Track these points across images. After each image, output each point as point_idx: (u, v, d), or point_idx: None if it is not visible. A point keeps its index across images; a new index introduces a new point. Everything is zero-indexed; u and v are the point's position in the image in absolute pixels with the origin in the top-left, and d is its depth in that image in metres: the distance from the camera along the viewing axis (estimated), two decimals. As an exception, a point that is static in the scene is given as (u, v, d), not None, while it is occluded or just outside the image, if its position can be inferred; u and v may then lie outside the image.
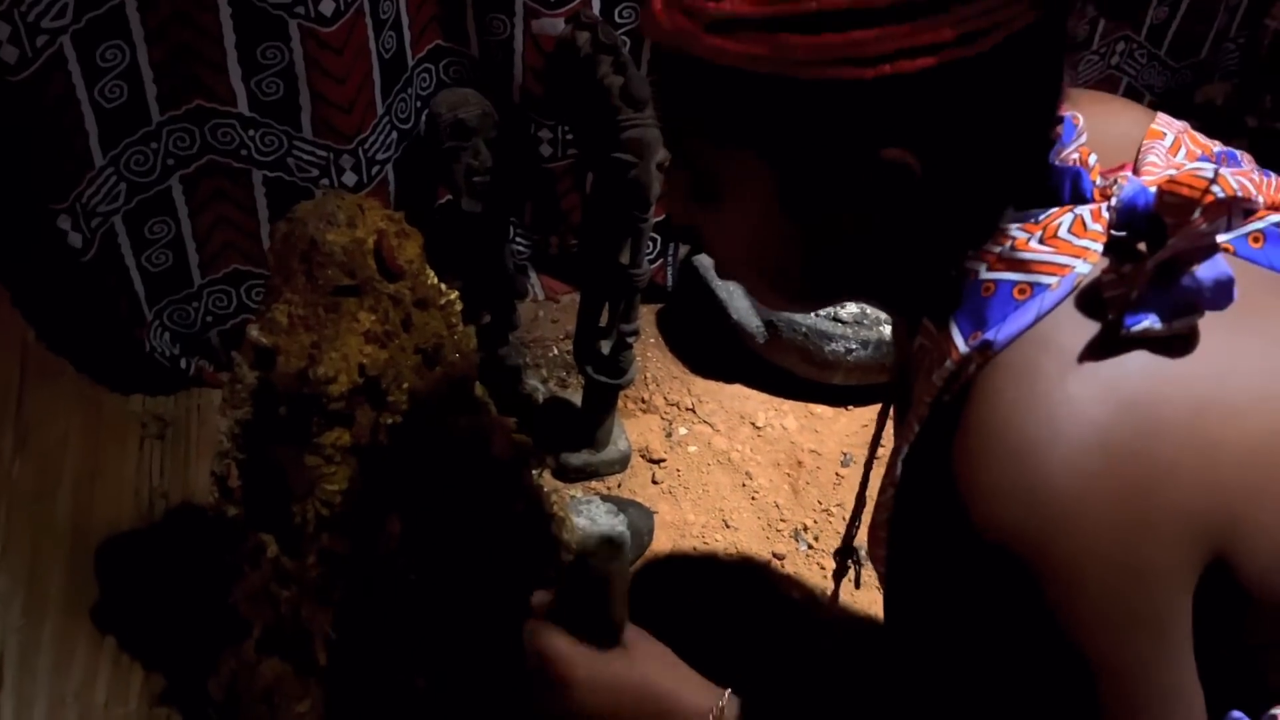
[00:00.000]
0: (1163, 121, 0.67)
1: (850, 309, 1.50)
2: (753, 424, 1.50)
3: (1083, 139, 0.63)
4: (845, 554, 0.92)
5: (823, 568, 1.33)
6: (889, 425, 0.79)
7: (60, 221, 1.19)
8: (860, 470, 1.37)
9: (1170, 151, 0.64)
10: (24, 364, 1.34)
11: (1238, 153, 0.64)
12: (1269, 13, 1.80)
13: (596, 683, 0.74)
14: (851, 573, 0.95)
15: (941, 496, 0.56)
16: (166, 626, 1.13)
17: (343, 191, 1.09)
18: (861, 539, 1.33)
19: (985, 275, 0.59)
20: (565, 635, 0.75)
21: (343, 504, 0.94)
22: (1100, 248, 0.58)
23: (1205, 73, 1.84)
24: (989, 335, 0.57)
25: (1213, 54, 1.81)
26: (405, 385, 0.94)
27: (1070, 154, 0.62)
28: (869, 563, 1.29)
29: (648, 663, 0.75)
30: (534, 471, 1.12)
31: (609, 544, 0.75)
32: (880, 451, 0.83)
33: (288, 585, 0.97)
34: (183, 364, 1.38)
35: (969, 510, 0.54)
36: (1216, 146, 0.65)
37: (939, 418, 0.59)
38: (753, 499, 1.40)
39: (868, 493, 0.85)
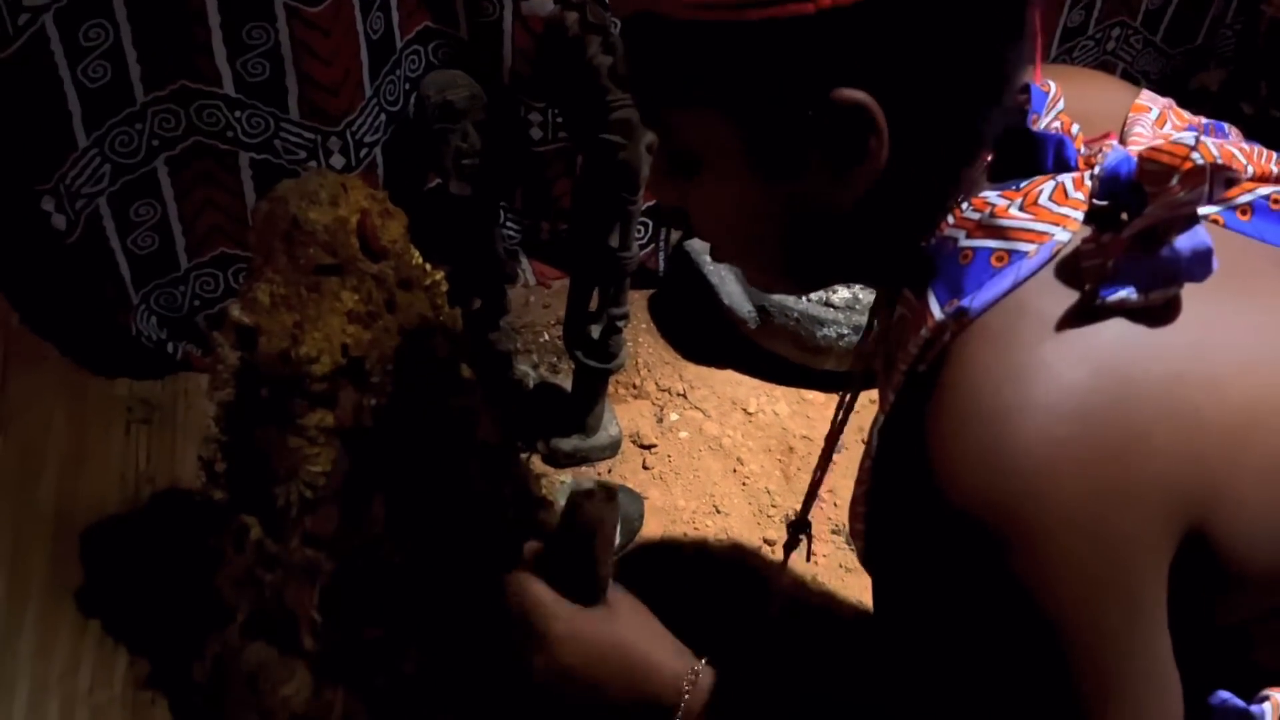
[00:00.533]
0: (1147, 97, 0.66)
1: (843, 294, 1.49)
2: (744, 410, 1.49)
3: (1059, 106, 0.62)
4: (798, 527, 0.92)
5: (812, 553, 1.32)
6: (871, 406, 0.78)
7: (44, 203, 1.18)
8: (846, 452, 1.37)
9: (1156, 124, 0.63)
10: (7, 348, 1.33)
11: (1225, 125, 0.64)
12: (1265, -1, 1.80)
13: (575, 637, 0.74)
14: (803, 546, 0.95)
15: (915, 465, 0.55)
16: (151, 611, 1.12)
17: (326, 170, 1.08)
18: (840, 518, 1.33)
19: (964, 243, 0.58)
20: (548, 588, 0.75)
21: (326, 486, 0.93)
22: (1080, 216, 0.57)
23: (1201, 59, 1.83)
24: (964, 302, 0.56)
25: (1208, 40, 1.81)
26: (389, 366, 0.93)
27: (1050, 122, 0.61)
28: (821, 538, 1.29)
29: (627, 623, 0.75)
30: (523, 456, 1.12)
31: (604, 490, 0.75)
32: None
33: (272, 568, 0.96)
34: (169, 348, 1.37)
35: (940, 478, 0.54)
36: (1204, 120, 0.64)
37: (914, 387, 0.58)
38: (744, 485, 1.40)
39: (829, 471, 0.85)
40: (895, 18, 0.52)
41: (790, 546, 0.93)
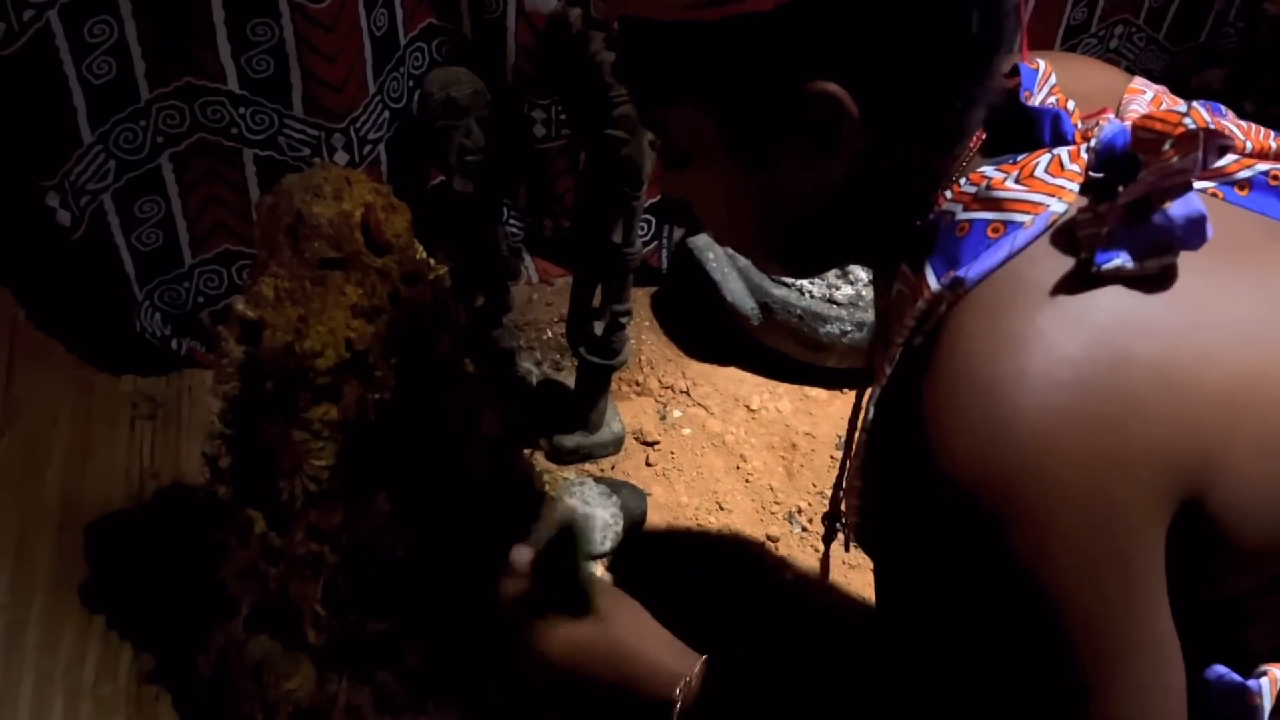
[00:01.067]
0: (1140, 82, 0.66)
1: (846, 290, 1.49)
2: (747, 406, 1.49)
3: (1051, 81, 0.62)
4: (833, 518, 0.92)
5: (816, 550, 1.33)
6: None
7: (49, 199, 1.19)
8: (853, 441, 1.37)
9: (1152, 105, 0.63)
10: (13, 344, 1.34)
11: (1221, 106, 0.64)
12: (1268, -3, 1.80)
13: (572, 652, 0.75)
14: (840, 538, 0.95)
15: (911, 435, 0.55)
16: (156, 605, 1.12)
17: (330, 164, 1.08)
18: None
19: (961, 216, 0.59)
20: (539, 617, 0.77)
21: (330, 480, 0.93)
22: (1076, 187, 0.57)
23: (1204, 57, 1.83)
24: (960, 273, 0.56)
25: (1211, 38, 1.81)
26: (393, 360, 0.93)
27: (1045, 98, 0.61)
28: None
29: (622, 625, 0.76)
30: (526, 452, 1.12)
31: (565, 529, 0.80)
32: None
33: (276, 562, 0.97)
34: (174, 344, 1.38)
35: (936, 447, 0.54)
36: (1199, 102, 0.65)
37: (910, 359, 0.58)
38: (747, 481, 1.40)
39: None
40: (856, 7, 0.53)
41: (829, 538, 0.94)
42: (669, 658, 0.75)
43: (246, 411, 0.97)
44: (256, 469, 0.97)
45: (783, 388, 1.52)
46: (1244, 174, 0.60)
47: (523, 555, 0.81)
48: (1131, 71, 1.80)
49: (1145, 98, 0.64)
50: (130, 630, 1.12)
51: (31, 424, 1.29)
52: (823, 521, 0.94)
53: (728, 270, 1.52)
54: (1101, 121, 0.59)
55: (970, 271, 0.56)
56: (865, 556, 1.29)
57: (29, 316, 1.36)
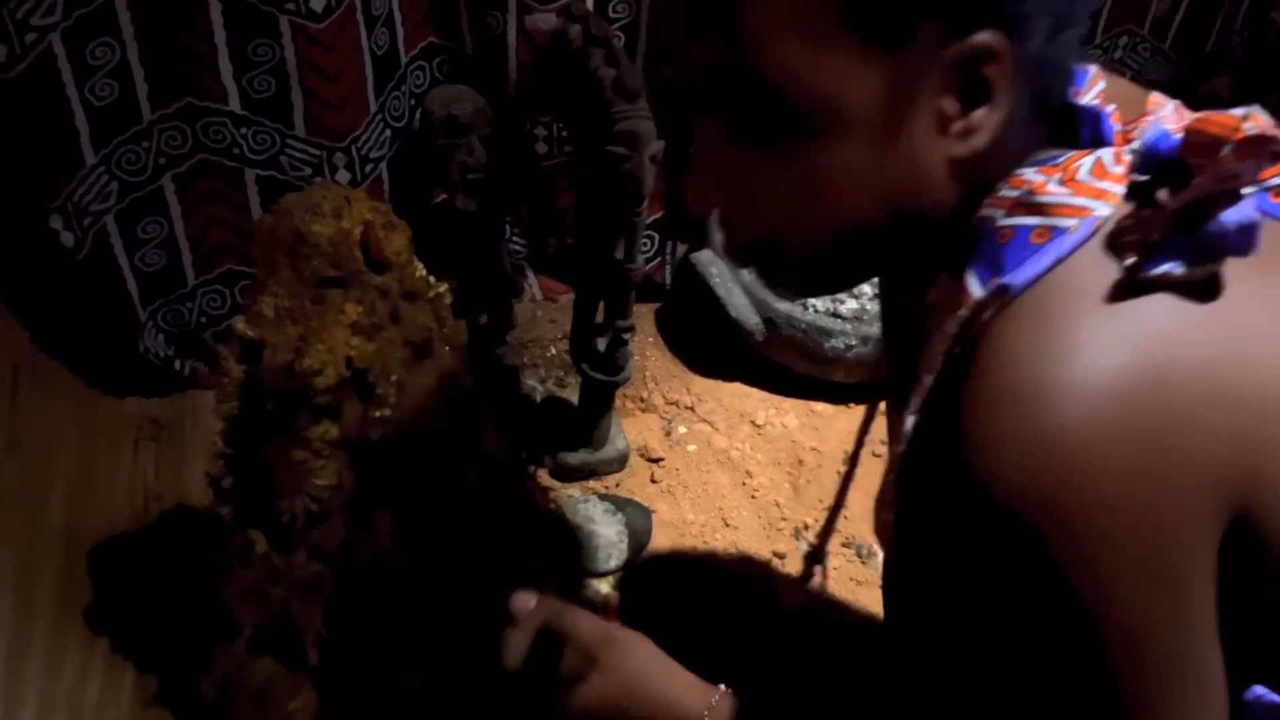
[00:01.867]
0: (1157, 95, 0.65)
1: (850, 305, 1.48)
2: (753, 422, 1.48)
3: (1100, 85, 0.61)
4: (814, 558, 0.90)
5: (823, 566, 1.32)
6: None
7: (52, 221, 1.19)
8: (868, 467, 1.35)
9: (1175, 116, 0.62)
10: (17, 365, 1.34)
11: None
12: (1274, 6, 1.79)
13: (581, 708, 0.74)
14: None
15: (951, 447, 0.54)
16: (159, 627, 1.12)
17: (329, 183, 1.08)
18: (850, 530, 1.32)
19: (1003, 222, 0.57)
20: (544, 678, 0.76)
21: (332, 499, 0.93)
22: (1121, 190, 0.55)
23: (1210, 66, 1.83)
24: (1005, 280, 0.54)
25: (1217, 47, 1.80)
26: (394, 378, 0.93)
27: (1090, 99, 0.60)
28: (833, 550, 1.28)
29: (639, 661, 0.74)
30: (530, 469, 1.11)
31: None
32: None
33: (278, 582, 0.96)
34: (177, 365, 1.38)
35: (977, 459, 0.52)
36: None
37: (951, 370, 0.57)
38: (753, 498, 1.39)
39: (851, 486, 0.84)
40: None
41: (814, 559, 0.92)
42: (683, 697, 0.73)
43: (248, 431, 0.96)
44: (258, 489, 0.96)
45: (788, 403, 1.51)
46: (1277, 182, 0.59)
47: (524, 603, 0.79)
48: (1136, 83, 1.80)
49: (1168, 109, 0.63)
50: (134, 652, 1.12)
51: (35, 446, 1.29)
52: (817, 537, 0.92)
53: (731, 285, 1.51)
54: (1142, 124, 0.58)
55: (1016, 278, 0.54)
56: (871, 573, 1.28)
57: (33, 339, 1.36)
